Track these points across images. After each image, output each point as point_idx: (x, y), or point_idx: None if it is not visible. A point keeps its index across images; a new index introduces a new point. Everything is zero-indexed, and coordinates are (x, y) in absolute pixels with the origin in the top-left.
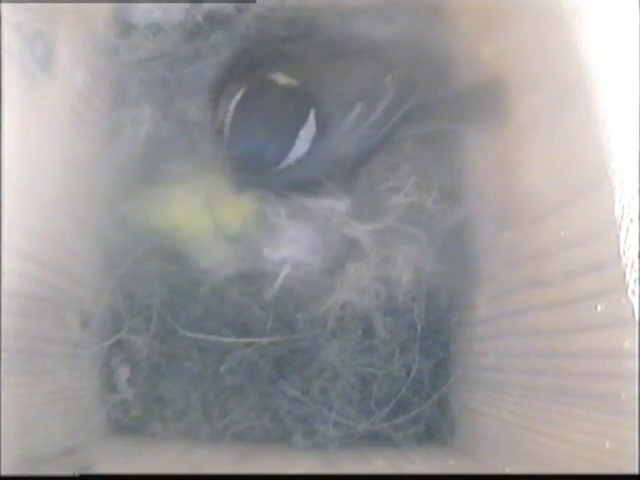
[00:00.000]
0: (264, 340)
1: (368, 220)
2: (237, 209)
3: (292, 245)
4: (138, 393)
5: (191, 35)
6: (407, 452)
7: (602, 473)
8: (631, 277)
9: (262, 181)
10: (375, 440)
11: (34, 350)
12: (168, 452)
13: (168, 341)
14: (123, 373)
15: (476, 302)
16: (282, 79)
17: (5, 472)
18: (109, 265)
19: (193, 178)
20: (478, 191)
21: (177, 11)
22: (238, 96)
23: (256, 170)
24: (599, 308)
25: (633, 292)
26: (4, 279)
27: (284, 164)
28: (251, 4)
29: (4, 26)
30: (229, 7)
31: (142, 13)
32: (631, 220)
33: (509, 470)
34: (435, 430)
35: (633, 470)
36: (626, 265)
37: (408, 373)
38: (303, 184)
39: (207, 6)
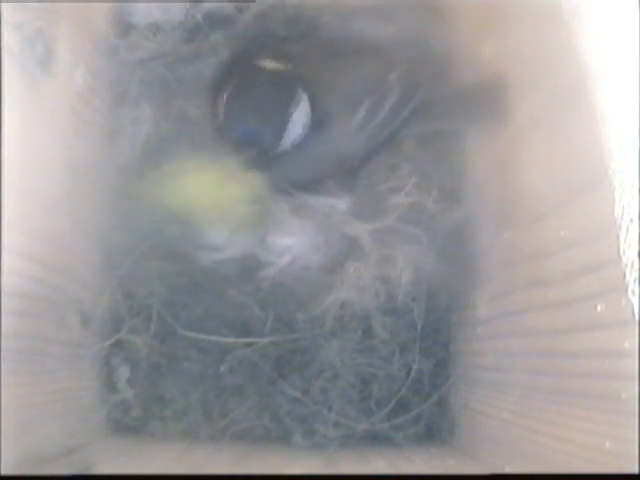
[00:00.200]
0: (264, 340)
1: (368, 219)
2: (232, 206)
3: (292, 243)
4: (138, 393)
5: (191, 35)
6: (407, 452)
7: (602, 473)
8: (631, 277)
9: (267, 167)
10: (375, 440)
11: (34, 350)
12: (168, 452)
13: (168, 341)
14: (123, 373)
15: (476, 302)
16: (270, 64)
17: (5, 472)
18: (109, 265)
19: (188, 174)
20: (478, 191)
21: (177, 11)
22: (229, 88)
23: (255, 155)
24: (599, 308)
25: (633, 292)
26: (4, 279)
27: (281, 147)
28: (251, 3)
29: (4, 26)
30: (229, 7)
31: (142, 13)
32: (631, 220)
33: (509, 470)
34: (435, 430)
35: (633, 470)
36: (626, 265)
37: (408, 373)
38: (306, 181)
39: (207, 6)
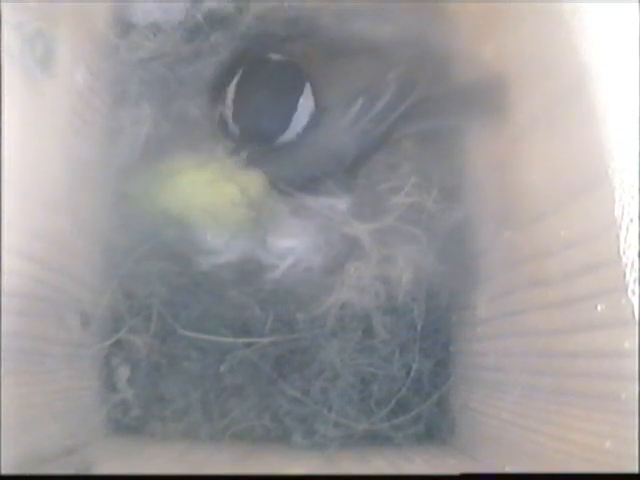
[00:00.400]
0: (264, 340)
1: (368, 219)
2: (232, 207)
3: (292, 244)
4: (138, 393)
5: (191, 35)
6: (407, 452)
7: (602, 473)
8: (631, 277)
9: (262, 166)
10: (375, 440)
11: (34, 350)
12: (168, 452)
13: (168, 341)
14: (123, 373)
15: (476, 302)
16: (276, 56)
17: (5, 472)
18: (109, 265)
19: (188, 175)
20: (478, 191)
21: (177, 11)
22: (236, 78)
23: (262, 141)
24: (599, 308)
25: (633, 292)
26: (4, 279)
27: (288, 135)
28: (251, 3)
29: (4, 26)
30: (229, 7)
31: (142, 13)
32: (631, 220)
33: (509, 470)
34: (435, 430)
35: (633, 470)
36: (626, 265)
37: (408, 373)
38: (304, 180)
39: (207, 6)
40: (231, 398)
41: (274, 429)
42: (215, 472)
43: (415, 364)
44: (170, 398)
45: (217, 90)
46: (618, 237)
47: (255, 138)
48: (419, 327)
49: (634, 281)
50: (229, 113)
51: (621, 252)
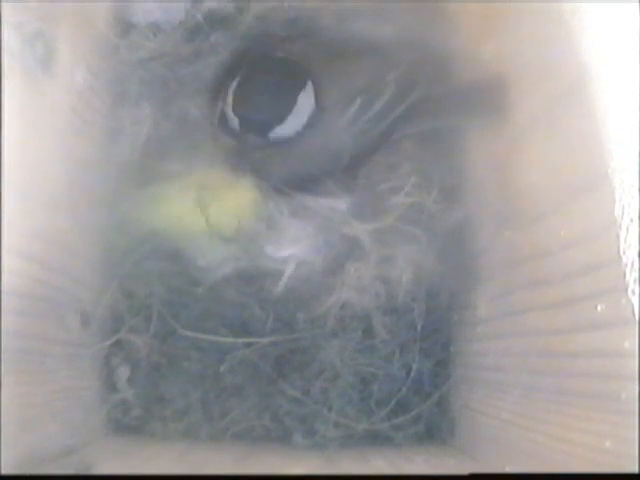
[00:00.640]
0: (264, 340)
1: (368, 219)
2: (232, 207)
3: (292, 244)
4: (138, 393)
5: (191, 35)
6: (407, 452)
7: (602, 473)
8: (631, 277)
9: (261, 165)
10: (375, 440)
11: (34, 350)
12: (168, 452)
13: (168, 341)
14: (123, 373)
15: (476, 302)
16: (281, 54)
17: (5, 472)
18: (109, 265)
19: (188, 175)
20: (478, 191)
21: (177, 11)
22: (238, 77)
23: (261, 131)
24: (599, 308)
25: (633, 292)
26: (4, 279)
27: (286, 130)
28: (251, 3)
29: (4, 26)
30: (229, 7)
31: (142, 13)
32: (631, 220)
33: (509, 469)
34: (435, 430)
35: (633, 470)
36: (626, 265)
37: (408, 373)
38: (302, 180)
39: (207, 6)
40: (231, 398)
41: (274, 429)
42: (215, 472)
43: (415, 364)
44: (170, 398)
45: (217, 89)
46: (618, 237)
47: (253, 128)
48: (419, 327)
49: (634, 281)
50: (229, 105)
51: (621, 252)
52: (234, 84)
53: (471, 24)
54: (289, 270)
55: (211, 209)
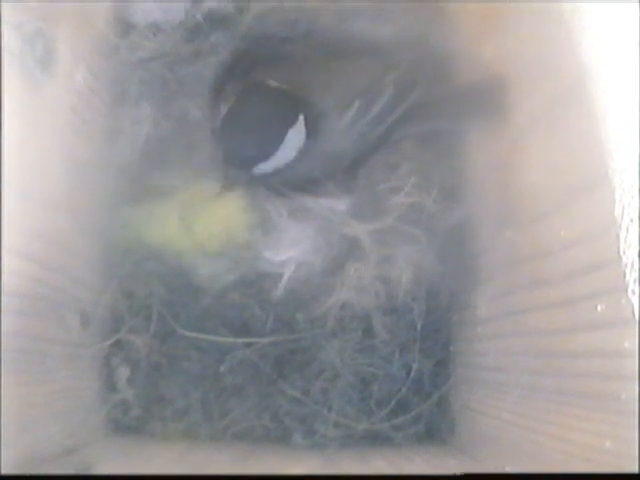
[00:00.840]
0: (264, 340)
1: (368, 220)
2: (221, 220)
3: (292, 245)
4: (138, 393)
5: (191, 35)
6: (407, 452)
7: (602, 473)
8: (631, 277)
9: (254, 180)
10: (375, 440)
11: (34, 350)
12: (168, 452)
13: (168, 341)
14: (123, 373)
15: (476, 302)
16: (275, 83)
17: (5, 472)
18: (109, 265)
19: (177, 191)
20: (478, 191)
21: (177, 11)
22: (231, 99)
23: (244, 163)
24: (599, 308)
25: (633, 292)
26: (4, 279)
27: (271, 166)
28: (251, 3)
29: (4, 26)
30: (229, 7)
31: (142, 13)
32: (631, 220)
33: (509, 470)
34: (435, 430)
35: (633, 470)
36: (626, 265)
37: (408, 373)
38: (302, 182)
39: (207, 6)
40: (231, 398)
41: (274, 429)
42: (215, 472)
43: (415, 364)
44: (170, 398)
45: (215, 99)
46: (618, 237)
47: (237, 162)
48: (419, 327)
49: (634, 281)
50: (216, 135)
51: (621, 252)
52: (223, 112)
53: (471, 24)
54: (289, 272)
55: (198, 226)
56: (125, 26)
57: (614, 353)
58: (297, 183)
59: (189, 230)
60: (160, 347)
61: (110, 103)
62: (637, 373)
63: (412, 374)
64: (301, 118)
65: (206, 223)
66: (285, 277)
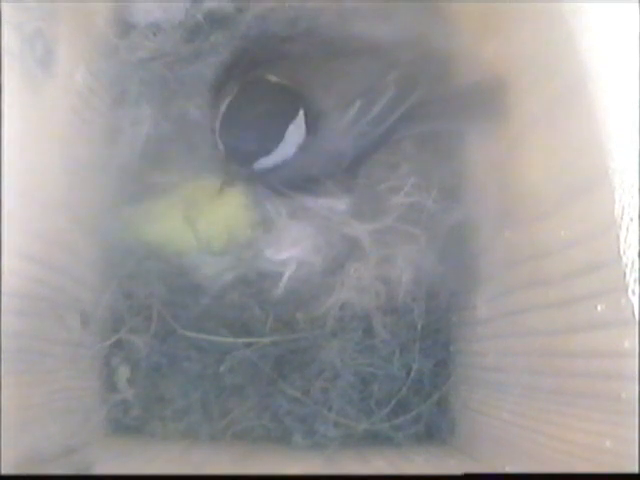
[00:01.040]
0: (264, 340)
1: (368, 220)
2: (221, 219)
3: (291, 245)
4: (138, 393)
5: (191, 35)
6: (407, 452)
7: (602, 473)
8: (631, 277)
9: (255, 176)
10: (375, 440)
11: (34, 350)
12: (168, 452)
13: (168, 341)
14: (123, 373)
15: (476, 302)
16: (275, 79)
17: (5, 472)
18: (109, 265)
19: (178, 188)
20: (478, 191)
21: (177, 11)
22: (231, 95)
23: (244, 160)
24: (599, 308)
25: (633, 292)
26: (4, 279)
27: (271, 161)
28: (251, 3)
29: (4, 26)
30: (229, 7)
31: (142, 13)
32: (631, 220)
33: (509, 469)
34: (435, 430)
35: (633, 470)
36: (626, 265)
37: (408, 373)
38: (302, 182)
39: (207, 6)
40: (231, 398)
41: (274, 429)
42: (215, 472)
43: (415, 364)
44: (170, 398)
45: (213, 102)
46: (618, 237)
47: (238, 158)
48: (419, 327)
49: (634, 281)
50: (217, 130)
51: (621, 252)
52: (223, 107)
53: (471, 24)
54: (289, 271)
55: (200, 225)
56: (125, 26)
57: (614, 353)
58: (297, 182)
59: (193, 228)
60: (160, 347)
61: (110, 103)
62: (637, 373)
63: (412, 374)
64: (301, 113)
65: (208, 221)
66: (285, 276)
